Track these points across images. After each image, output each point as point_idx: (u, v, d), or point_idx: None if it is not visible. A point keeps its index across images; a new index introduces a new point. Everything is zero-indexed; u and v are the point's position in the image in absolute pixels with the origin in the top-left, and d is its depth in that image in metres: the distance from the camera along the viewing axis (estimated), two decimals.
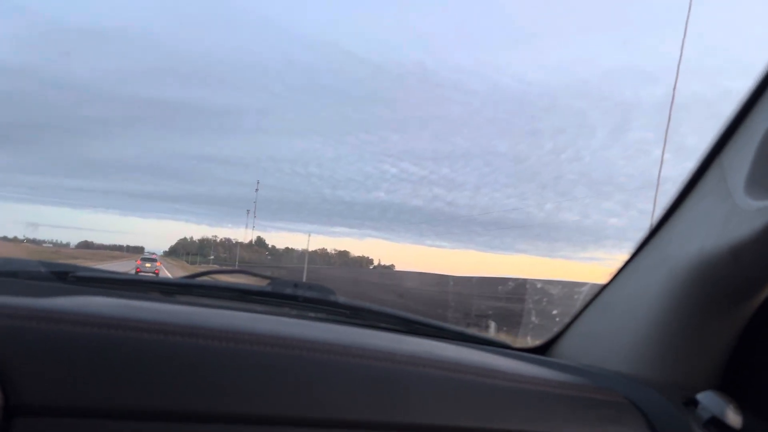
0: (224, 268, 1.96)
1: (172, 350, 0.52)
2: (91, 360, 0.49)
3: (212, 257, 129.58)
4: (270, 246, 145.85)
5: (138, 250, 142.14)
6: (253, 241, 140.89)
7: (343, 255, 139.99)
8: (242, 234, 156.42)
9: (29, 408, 0.47)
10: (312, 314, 1.04)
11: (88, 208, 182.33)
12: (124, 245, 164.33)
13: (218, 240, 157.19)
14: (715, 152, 0.78)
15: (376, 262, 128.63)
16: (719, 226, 0.74)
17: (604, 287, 0.99)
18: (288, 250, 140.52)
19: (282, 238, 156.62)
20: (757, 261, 0.71)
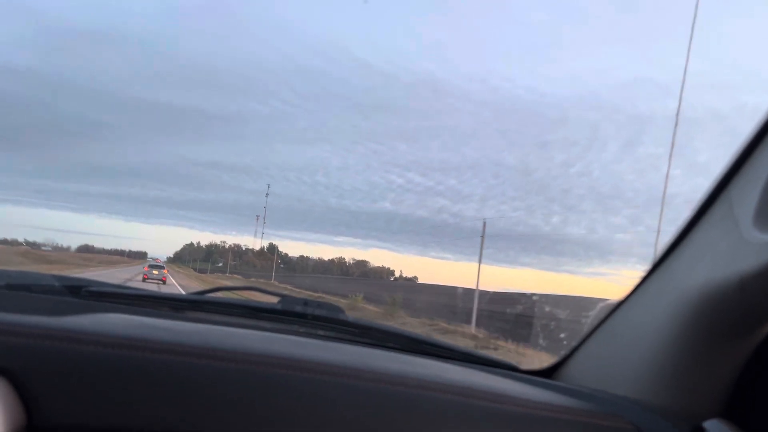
0: (235, 285, 1.96)
1: (187, 372, 0.53)
2: (110, 381, 0.50)
3: (221, 264, 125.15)
4: (282, 254, 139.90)
5: (140, 256, 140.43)
6: (265, 248, 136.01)
7: (362, 265, 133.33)
8: (250, 241, 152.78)
9: (51, 428, 0.47)
10: (321, 332, 1.04)
11: (93, 212, 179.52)
12: (126, 250, 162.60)
13: (227, 246, 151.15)
14: (723, 184, 0.79)
15: (397, 273, 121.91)
16: (726, 257, 0.75)
17: (613, 311, 0.99)
18: (302, 259, 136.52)
19: (292, 246, 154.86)
20: (763, 293, 0.72)
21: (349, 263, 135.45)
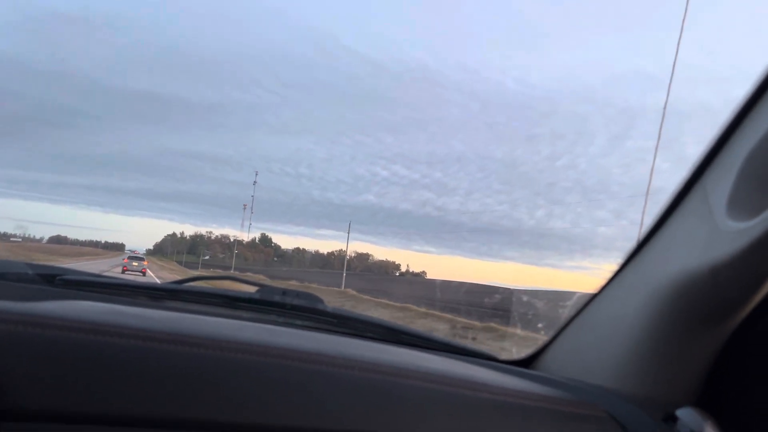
0: (213, 274, 1.93)
1: (159, 357, 0.53)
2: (80, 366, 0.49)
3: (207, 257, 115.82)
4: (274, 245, 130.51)
5: (118, 248, 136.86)
6: (257, 239, 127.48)
7: (363, 259, 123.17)
8: (235, 233, 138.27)
9: (19, 413, 0.47)
10: (299, 322, 1.04)
11: (70, 204, 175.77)
12: (102, 241, 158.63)
13: (213, 237, 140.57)
14: (698, 173, 0.80)
15: (404, 268, 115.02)
16: (701, 246, 0.76)
17: (589, 302, 1.00)
18: (299, 251, 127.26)
19: (277, 239, 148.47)
20: (736, 282, 0.73)
21: (351, 256, 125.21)
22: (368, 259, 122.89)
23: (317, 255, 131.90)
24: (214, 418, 0.53)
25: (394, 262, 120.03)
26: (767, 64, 0.67)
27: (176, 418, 0.52)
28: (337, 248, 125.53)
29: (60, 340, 0.50)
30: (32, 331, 0.50)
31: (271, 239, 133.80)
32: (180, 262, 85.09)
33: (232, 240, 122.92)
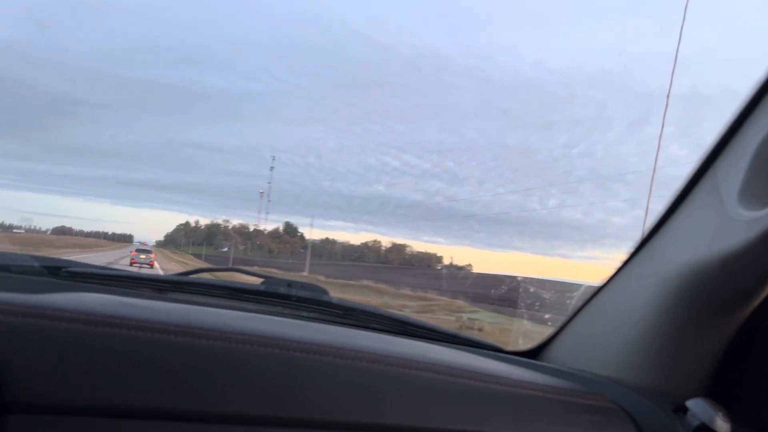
0: (218, 266, 1.96)
1: (165, 349, 0.53)
2: (85, 358, 0.49)
3: (226, 249, 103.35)
4: (299, 234, 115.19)
5: (125, 239, 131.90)
6: (281, 228, 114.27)
7: (400, 250, 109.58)
8: (249, 223, 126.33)
9: (24, 405, 0.47)
10: (305, 314, 1.04)
11: (79, 196, 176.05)
12: (108, 233, 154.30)
13: (230, 227, 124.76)
14: (708, 162, 0.79)
15: (447, 261, 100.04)
16: (711, 235, 0.75)
17: (597, 292, 0.99)
18: (328, 242, 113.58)
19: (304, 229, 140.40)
20: (747, 271, 0.73)
21: (386, 247, 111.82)
22: (406, 250, 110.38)
23: (348, 246, 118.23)
24: (222, 410, 0.53)
25: (435, 255, 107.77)
26: None
27: (185, 410, 0.52)
28: (370, 239, 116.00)
29: (67, 332, 0.50)
30: (40, 323, 0.50)
31: (296, 228, 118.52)
32: (198, 255, 73.92)
33: (252, 230, 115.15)
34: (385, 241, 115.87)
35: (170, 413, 0.51)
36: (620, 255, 0.96)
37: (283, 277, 1.10)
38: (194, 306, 0.74)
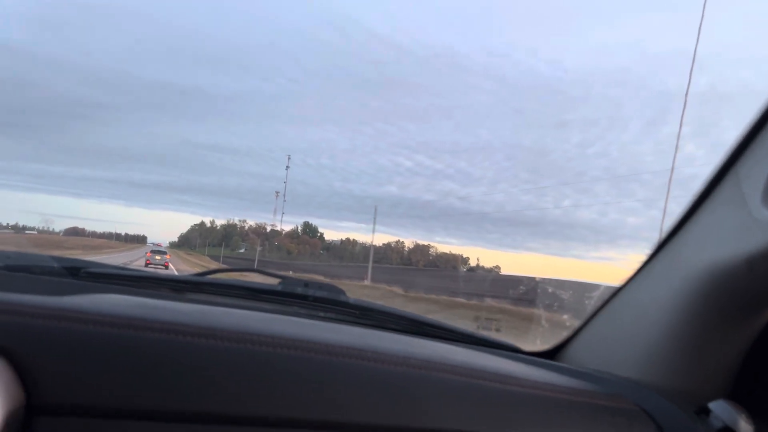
0: (236, 266, 1.96)
1: (187, 351, 0.53)
2: (109, 360, 0.50)
3: (243, 249, 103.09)
4: (319, 234, 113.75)
5: (139, 240, 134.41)
6: (299, 229, 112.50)
7: (424, 251, 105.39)
8: (260, 225, 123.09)
9: (50, 407, 0.47)
10: (322, 314, 1.04)
11: (93, 198, 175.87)
12: (121, 234, 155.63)
13: (247, 227, 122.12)
14: (731, 161, 0.78)
15: (473, 263, 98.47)
16: (734, 235, 0.74)
17: (617, 292, 0.98)
18: (348, 243, 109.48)
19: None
20: None
21: (409, 248, 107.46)
22: (430, 251, 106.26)
23: (369, 248, 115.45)
24: (246, 413, 0.53)
25: (461, 256, 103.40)
26: None
27: (209, 413, 0.52)
28: (387, 240, 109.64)
29: (91, 334, 0.50)
30: (64, 326, 0.50)
31: (316, 228, 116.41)
32: (215, 257, 70.83)
33: (269, 230, 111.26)
34: (408, 241, 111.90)
35: (197, 416, 0.52)
36: (636, 256, 0.95)
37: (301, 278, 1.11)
38: (213, 307, 0.74)
